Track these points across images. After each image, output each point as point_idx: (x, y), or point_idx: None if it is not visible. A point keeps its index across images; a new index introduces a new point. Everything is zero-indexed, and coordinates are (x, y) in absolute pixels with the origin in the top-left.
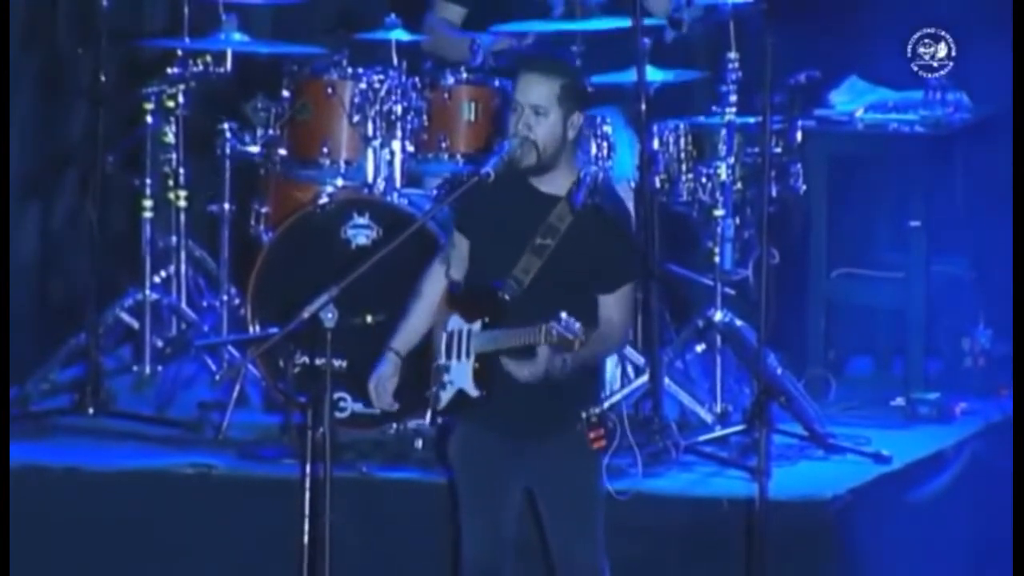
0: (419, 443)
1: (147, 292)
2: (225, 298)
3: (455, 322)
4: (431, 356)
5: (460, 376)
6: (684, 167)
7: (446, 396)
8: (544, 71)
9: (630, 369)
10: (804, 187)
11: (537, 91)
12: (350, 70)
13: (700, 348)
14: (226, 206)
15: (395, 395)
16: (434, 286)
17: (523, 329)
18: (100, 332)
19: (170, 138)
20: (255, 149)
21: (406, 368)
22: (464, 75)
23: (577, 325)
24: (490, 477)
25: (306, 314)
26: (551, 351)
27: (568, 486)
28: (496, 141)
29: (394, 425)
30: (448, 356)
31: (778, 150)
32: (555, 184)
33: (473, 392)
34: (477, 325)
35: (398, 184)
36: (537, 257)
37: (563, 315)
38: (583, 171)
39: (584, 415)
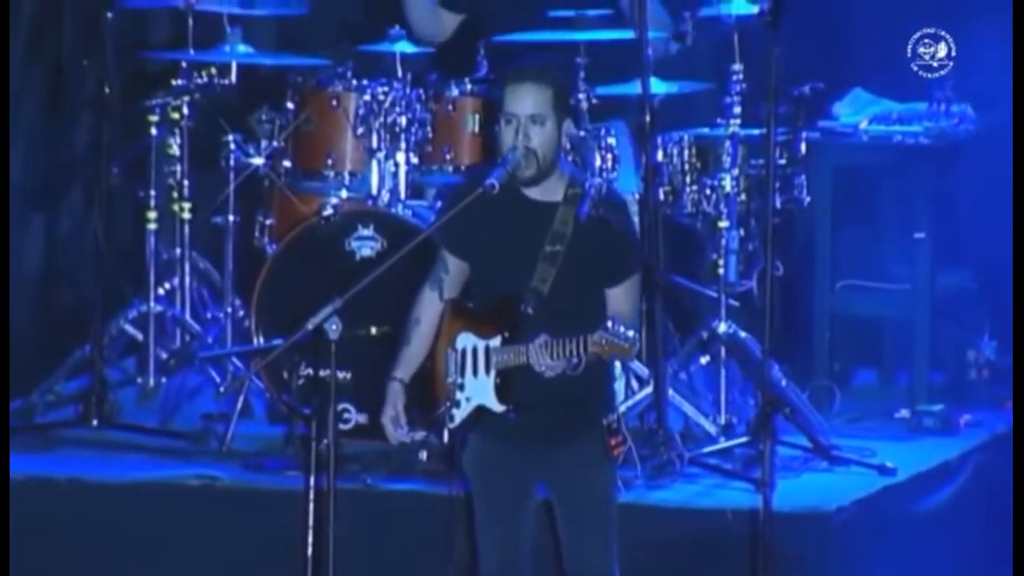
0: (423, 454)
1: (151, 304)
2: (229, 310)
3: (466, 339)
4: (430, 379)
5: (480, 392)
6: (688, 179)
7: (460, 413)
8: (537, 80)
9: (634, 381)
10: (808, 199)
11: (533, 100)
12: (354, 82)
13: (704, 360)
14: (230, 218)
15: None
16: (429, 312)
17: (564, 340)
18: (104, 344)
19: (175, 150)
20: (259, 161)
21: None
22: (468, 86)
23: (630, 333)
24: (509, 488)
25: (310, 326)
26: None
27: (587, 494)
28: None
29: None
30: (462, 374)
31: (782, 162)
32: (549, 191)
33: (497, 407)
34: (495, 341)
35: (402, 196)
36: (551, 265)
37: (609, 322)
38: (587, 183)
39: (605, 422)
